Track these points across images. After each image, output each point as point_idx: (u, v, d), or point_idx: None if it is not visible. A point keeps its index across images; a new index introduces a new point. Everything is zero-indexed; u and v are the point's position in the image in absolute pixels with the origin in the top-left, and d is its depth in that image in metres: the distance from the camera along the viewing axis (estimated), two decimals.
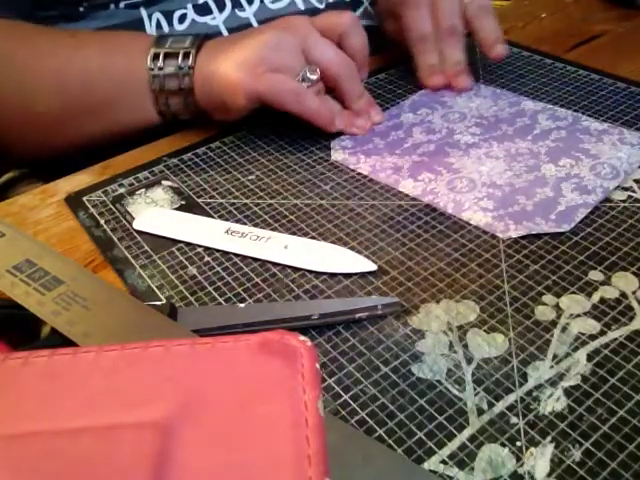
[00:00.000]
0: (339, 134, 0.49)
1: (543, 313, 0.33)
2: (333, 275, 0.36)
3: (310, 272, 0.36)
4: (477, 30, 0.54)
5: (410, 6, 0.54)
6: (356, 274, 0.36)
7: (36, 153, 0.55)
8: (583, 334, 0.32)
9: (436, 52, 0.54)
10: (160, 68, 0.47)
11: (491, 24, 0.54)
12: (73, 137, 0.52)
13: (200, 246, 0.39)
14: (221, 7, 0.58)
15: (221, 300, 0.35)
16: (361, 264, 0.36)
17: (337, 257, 0.37)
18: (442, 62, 0.54)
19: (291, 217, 0.41)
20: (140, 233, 0.40)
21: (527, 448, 0.27)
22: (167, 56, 0.47)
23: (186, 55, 0.46)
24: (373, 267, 0.36)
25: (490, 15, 0.54)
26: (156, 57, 0.47)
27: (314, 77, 0.46)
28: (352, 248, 0.38)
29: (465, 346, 0.32)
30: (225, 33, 0.58)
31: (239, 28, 0.57)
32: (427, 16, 0.54)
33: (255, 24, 0.59)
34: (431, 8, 0.54)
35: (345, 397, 0.29)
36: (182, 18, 0.57)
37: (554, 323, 0.33)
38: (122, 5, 0.55)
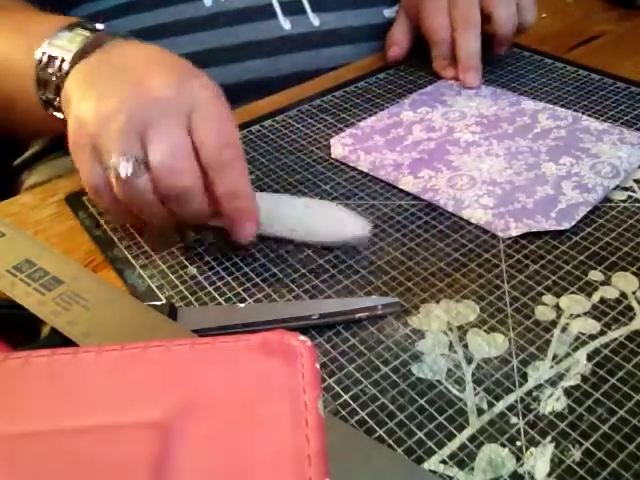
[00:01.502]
0: (339, 133, 0.49)
1: (543, 313, 0.33)
2: (333, 276, 0.36)
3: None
4: (493, 18, 0.55)
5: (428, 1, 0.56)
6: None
7: None
8: (583, 334, 0.32)
9: (450, 43, 0.55)
10: (42, 69, 0.41)
11: (508, 13, 0.54)
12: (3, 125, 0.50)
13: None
14: None
15: (221, 300, 0.35)
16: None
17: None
18: (456, 53, 0.55)
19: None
20: None
21: (527, 448, 0.27)
22: (50, 58, 0.41)
23: (63, 61, 0.40)
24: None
25: (508, 4, 0.55)
26: (44, 54, 0.41)
27: (123, 172, 0.33)
28: (352, 248, 0.38)
29: (465, 346, 0.31)
30: None
31: None
32: (444, 7, 0.55)
33: None
34: (450, 2, 0.55)
35: (345, 397, 0.29)
36: None
37: (554, 323, 0.33)
38: None
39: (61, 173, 0.59)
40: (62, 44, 0.41)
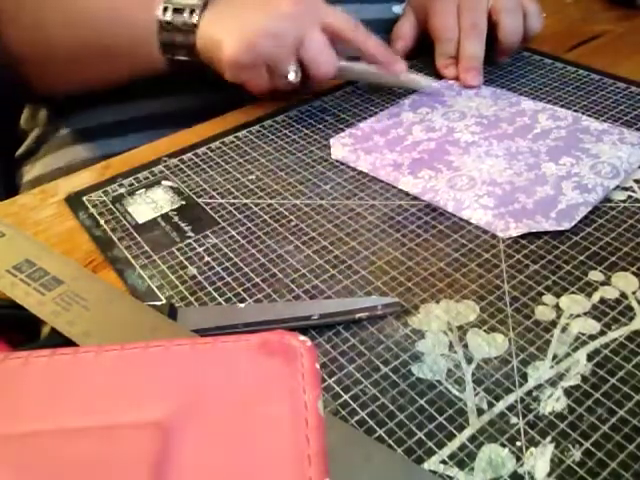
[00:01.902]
0: (339, 133, 0.49)
1: (543, 313, 0.33)
2: (333, 276, 0.36)
3: (318, 268, 0.36)
4: (499, 27, 0.55)
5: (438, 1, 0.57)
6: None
7: (53, 88, 0.57)
8: (583, 334, 0.32)
9: (455, 43, 0.56)
10: (168, 22, 0.49)
11: (515, 24, 0.55)
12: (86, 75, 0.55)
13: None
14: None
15: (221, 300, 0.35)
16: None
17: None
18: (459, 53, 0.56)
19: (291, 217, 0.41)
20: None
21: (527, 448, 0.27)
22: (175, 10, 0.49)
23: (192, 11, 0.48)
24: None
25: (515, 14, 0.55)
26: (166, 10, 0.49)
27: (291, 78, 0.48)
28: (352, 248, 0.38)
29: (465, 346, 0.32)
30: None
31: None
32: (453, 9, 0.56)
33: None
34: (458, 2, 0.56)
35: (345, 397, 0.29)
36: None
37: (554, 323, 0.33)
38: None
39: (61, 165, 0.59)
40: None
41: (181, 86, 0.57)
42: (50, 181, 0.54)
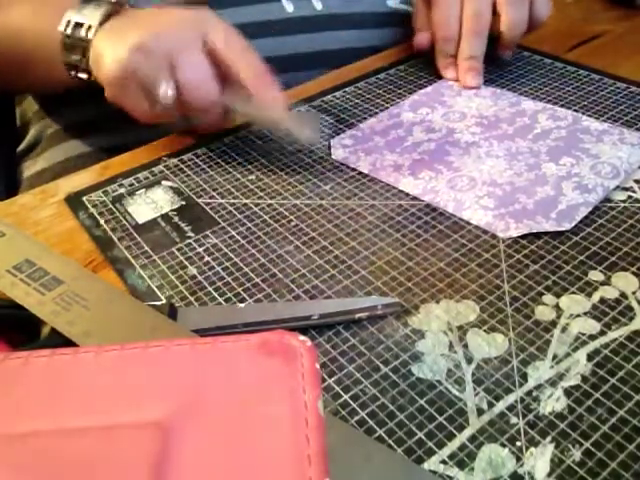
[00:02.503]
0: (339, 133, 0.49)
1: (543, 313, 0.33)
2: (334, 276, 0.36)
3: (318, 268, 0.36)
4: (502, 19, 0.54)
5: None
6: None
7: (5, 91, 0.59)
8: (583, 334, 0.32)
9: (456, 42, 0.55)
10: (68, 36, 0.47)
11: (519, 16, 0.54)
12: (12, 86, 0.57)
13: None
14: None
15: (221, 300, 0.35)
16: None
17: None
18: (459, 53, 0.55)
19: (291, 217, 0.41)
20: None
21: (527, 448, 0.27)
22: (76, 25, 0.47)
23: (89, 28, 0.46)
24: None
25: (520, 4, 0.54)
26: (69, 23, 0.47)
27: (162, 95, 0.43)
28: (352, 248, 0.38)
29: (465, 346, 0.31)
30: None
31: None
32: (456, 7, 0.54)
33: None
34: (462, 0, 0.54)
35: (345, 397, 0.29)
36: None
37: (554, 323, 0.33)
38: None
39: (63, 159, 0.59)
40: (87, 12, 0.47)
41: None
42: (52, 175, 0.54)
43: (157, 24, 0.45)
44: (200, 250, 0.39)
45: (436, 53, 0.57)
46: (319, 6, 0.61)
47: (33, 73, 0.53)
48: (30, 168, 0.62)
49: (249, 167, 0.47)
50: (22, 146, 0.65)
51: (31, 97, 0.66)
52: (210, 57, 0.44)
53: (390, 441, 0.27)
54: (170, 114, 0.45)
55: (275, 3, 0.60)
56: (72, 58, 0.47)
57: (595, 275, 0.35)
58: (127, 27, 0.46)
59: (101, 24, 0.46)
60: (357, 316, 0.33)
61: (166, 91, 0.43)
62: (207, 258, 0.38)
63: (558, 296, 0.34)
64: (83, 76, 0.48)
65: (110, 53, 0.44)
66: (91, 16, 0.47)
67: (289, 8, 0.60)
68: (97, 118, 0.60)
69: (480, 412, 0.28)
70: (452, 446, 0.27)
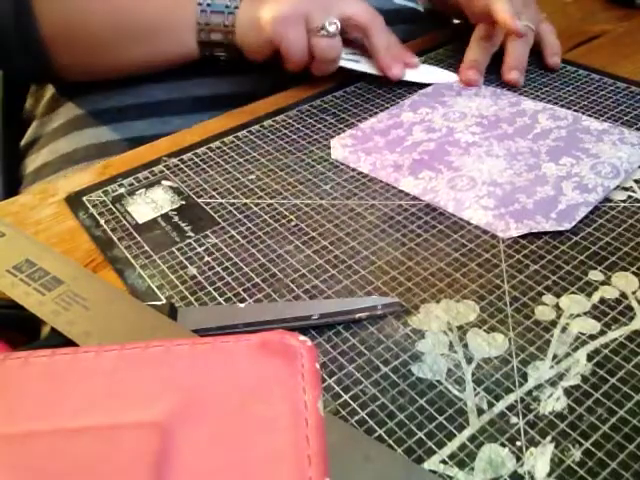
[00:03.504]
0: (339, 133, 0.49)
1: (543, 313, 0.33)
2: (335, 266, 0.36)
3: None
4: (506, 53, 0.56)
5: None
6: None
7: (86, 73, 0.59)
8: (583, 334, 0.32)
9: (489, 51, 0.56)
10: (208, 4, 0.52)
11: (521, 52, 0.56)
12: (121, 60, 0.57)
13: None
14: None
15: (221, 300, 0.35)
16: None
17: None
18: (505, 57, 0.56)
19: (291, 217, 0.41)
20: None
21: (527, 448, 0.27)
22: None
23: None
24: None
25: (525, 45, 0.56)
26: None
27: (331, 29, 0.51)
28: (352, 248, 0.38)
29: (465, 346, 0.32)
30: None
31: None
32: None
33: None
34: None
35: (345, 397, 0.29)
36: None
37: (554, 323, 0.33)
38: None
39: (66, 151, 0.59)
40: None
41: (186, 74, 0.58)
42: (56, 168, 0.54)
43: None
44: (200, 250, 0.39)
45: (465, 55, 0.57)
46: None
47: (154, 43, 0.55)
48: (35, 161, 0.62)
49: (249, 167, 0.47)
50: (25, 140, 0.65)
51: (34, 94, 0.66)
52: (343, 22, 0.52)
53: (390, 441, 0.28)
54: (328, 45, 0.52)
55: None
56: (213, 21, 0.53)
57: (595, 275, 0.35)
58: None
59: None
60: (357, 316, 0.33)
61: (336, 24, 0.51)
62: (207, 258, 0.38)
63: (558, 296, 0.34)
64: (217, 39, 0.54)
65: (276, 3, 0.51)
66: None
67: None
68: (103, 111, 0.60)
69: (480, 412, 0.28)
70: (452, 446, 0.27)
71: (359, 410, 0.29)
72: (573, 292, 0.34)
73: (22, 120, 0.67)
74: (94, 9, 0.54)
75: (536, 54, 0.59)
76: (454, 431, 0.28)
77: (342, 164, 0.46)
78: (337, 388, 0.30)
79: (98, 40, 0.55)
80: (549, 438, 0.27)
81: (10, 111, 0.69)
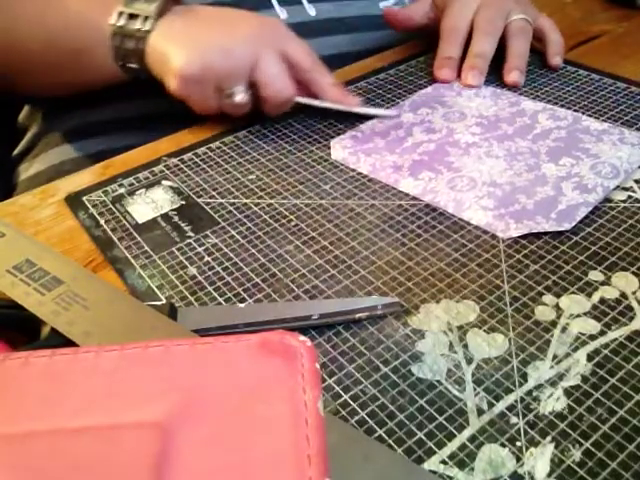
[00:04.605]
0: (339, 133, 0.49)
1: (543, 313, 0.33)
2: (334, 276, 0.36)
3: (317, 268, 0.36)
4: (507, 51, 0.56)
5: (457, 2, 0.58)
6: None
7: (36, 91, 0.58)
8: (583, 334, 0.32)
9: (460, 47, 0.56)
10: (121, 27, 0.48)
11: (522, 48, 0.56)
12: (58, 80, 0.55)
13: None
14: None
15: (221, 300, 0.35)
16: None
17: None
18: (468, 52, 0.56)
19: (291, 217, 0.41)
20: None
21: (527, 448, 0.27)
22: (131, 16, 0.48)
23: (146, 19, 0.48)
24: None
25: (525, 40, 0.56)
26: (122, 14, 0.48)
27: (238, 99, 0.47)
28: (352, 248, 0.38)
29: (465, 346, 0.31)
30: None
31: None
32: (468, 15, 0.56)
33: None
34: (476, 12, 0.56)
35: (345, 397, 0.29)
36: None
37: (554, 323, 0.33)
38: None
39: (58, 162, 0.59)
40: (140, 6, 0.48)
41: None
42: (48, 178, 0.54)
43: (233, 26, 0.48)
44: (200, 250, 0.39)
45: (437, 53, 0.57)
46: (313, 12, 0.61)
47: (78, 64, 0.53)
48: (27, 170, 0.62)
49: (249, 167, 0.47)
50: (19, 148, 0.65)
51: (30, 106, 0.66)
52: (285, 63, 0.48)
53: (390, 441, 0.28)
54: (238, 111, 0.49)
55: (268, 10, 0.59)
56: (126, 45, 0.48)
57: (595, 275, 0.35)
58: (196, 27, 0.48)
59: (157, 17, 0.48)
60: (357, 316, 0.33)
61: (244, 94, 0.47)
62: (207, 258, 0.38)
63: (558, 296, 0.34)
64: (133, 65, 0.49)
65: (188, 50, 0.46)
66: (146, 9, 0.48)
67: (282, 15, 0.60)
68: (97, 123, 0.60)
69: (480, 412, 0.28)
70: (452, 446, 0.27)
71: (359, 410, 0.29)
72: (573, 292, 0.34)
73: (16, 130, 0.67)
74: (26, 29, 0.52)
75: (537, 53, 0.59)
76: (454, 431, 0.28)
77: (342, 164, 0.46)
78: (337, 388, 0.30)
79: (34, 59, 0.53)
80: (549, 438, 0.27)
81: (1, 121, 0.69)
